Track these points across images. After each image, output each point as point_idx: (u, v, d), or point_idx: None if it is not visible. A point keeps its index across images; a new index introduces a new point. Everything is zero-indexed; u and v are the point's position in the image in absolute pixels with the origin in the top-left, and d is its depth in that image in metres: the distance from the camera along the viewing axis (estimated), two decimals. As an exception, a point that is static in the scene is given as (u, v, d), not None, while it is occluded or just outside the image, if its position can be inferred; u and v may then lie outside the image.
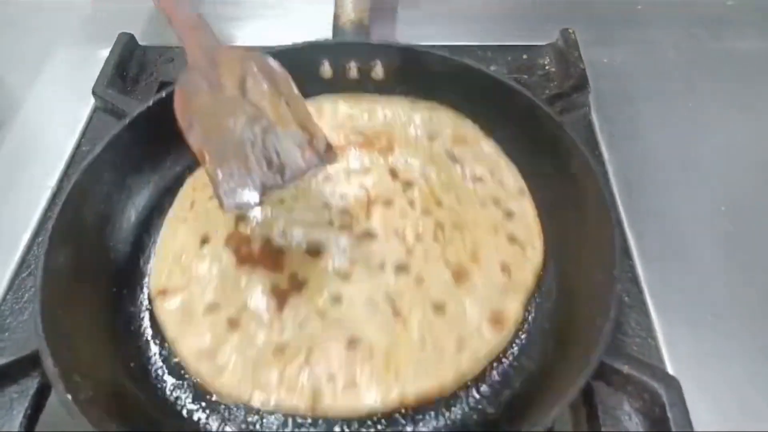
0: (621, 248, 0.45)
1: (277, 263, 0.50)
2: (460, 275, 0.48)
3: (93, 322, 0.46)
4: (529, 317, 0.48)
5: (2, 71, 0.71)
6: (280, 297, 0.48)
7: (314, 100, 0.61)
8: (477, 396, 0.44)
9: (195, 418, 0.44)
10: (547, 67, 0.67)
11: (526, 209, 0.53)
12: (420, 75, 0.61)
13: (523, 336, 0.47)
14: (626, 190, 0.56)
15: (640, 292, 0.49)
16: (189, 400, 0.44)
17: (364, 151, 0.57)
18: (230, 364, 0.45)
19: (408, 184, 0.54)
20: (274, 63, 0.52)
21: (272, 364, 0.44)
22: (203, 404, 0.44)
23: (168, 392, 0.45)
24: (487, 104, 0.58)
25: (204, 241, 0.52)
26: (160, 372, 0.46)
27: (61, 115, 0.66)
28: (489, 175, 0.55)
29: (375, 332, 0.45)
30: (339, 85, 0.63)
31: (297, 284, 0.48)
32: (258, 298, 0.48)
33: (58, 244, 0.45)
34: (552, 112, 0.53)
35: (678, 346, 0.46)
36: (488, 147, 0.57)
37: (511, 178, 0.55)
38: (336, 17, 0.68)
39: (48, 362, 0.39)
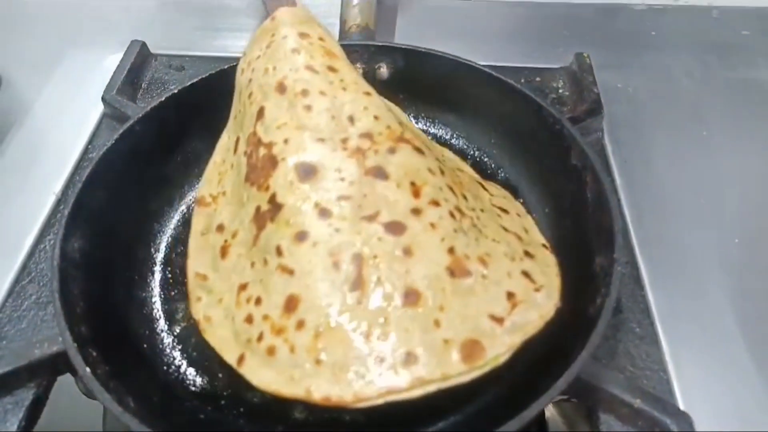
0: (621, 233, 0.43)
1: (267, 179, 0.40)
2: (458, 271, 0.37)
3: (107, 306, 0.46)
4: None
5: (12, 73, 0.71)
6: (260, 223, 0.40)
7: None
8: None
9: (206, 396, 0.43)
10: (560, 91, 0.67)
11: (548, 260, 0.44)
12: (424, 76, 0.61)
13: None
14: (638, 218, 0.55)
15: (652, 323, 0.48)
16: (195, 379, 0.44)
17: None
18: (210, 293, 0.42)
19: (440, 161, 0.44)
20: None
21: (233, 302, 0.40)
22: (206, 384, 0.44)
23: (176, 372, 0.45)
24: (487, 103, 0.58)
25: (236, 145, 0.46)
26: (169, 353, 0.46)
27: (69, 120, 0.65)
28: (515, 216, 0.48)
29: (319, 299, 0.36)
30: None
31: (274, 209, 0.39)
32: (245, 224, 0.41)
33: (72, 230, 0.45)
34: (552, 110, 0.53)
35: (689, 380, 0.45)
36: (517, 203, 0.51)
37: (537, 232, 0.47)
38: (342, 22, 0.68)
39: (66, 336, 0.39)
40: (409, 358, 0.34)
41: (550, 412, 0.50)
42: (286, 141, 0.41)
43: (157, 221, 0.54)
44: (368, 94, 0.45)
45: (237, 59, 0.59)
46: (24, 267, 0.52)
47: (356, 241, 0.37)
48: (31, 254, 0.53)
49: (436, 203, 0.39)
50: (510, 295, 0.38)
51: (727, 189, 0.58)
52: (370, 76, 0.62)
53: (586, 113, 0.61)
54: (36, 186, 0.59)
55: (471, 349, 0.35)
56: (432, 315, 0.35)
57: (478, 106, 0.59)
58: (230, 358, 0.38)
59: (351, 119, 0.42)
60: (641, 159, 0.61)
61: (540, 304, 0.39)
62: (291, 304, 0.36)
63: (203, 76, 0.56)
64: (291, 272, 0.37)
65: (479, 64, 0.58)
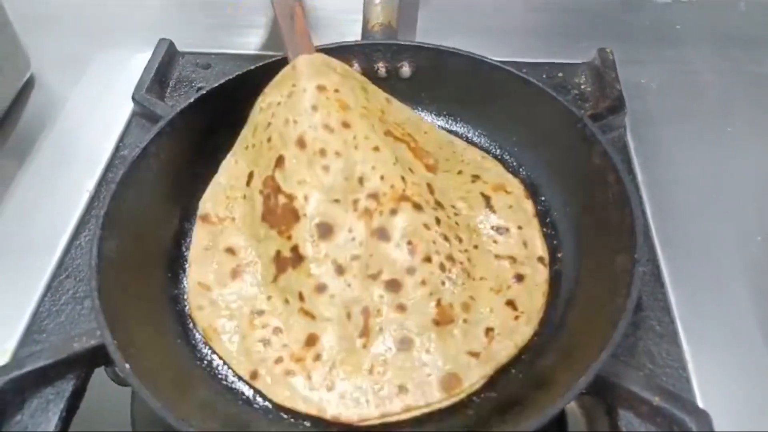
0: (643, 233, 0.44)
1: (288, 228, 0.49)
2: (443, 320, 0.46)
3: (142, 302, 0.48)
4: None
5: (44, 74, 0.73)
6: (281, 266, 0.48)
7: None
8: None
9: (237, 390, 0.46)
10: (582, 86, 0.67)
11: (538, 278, 0.49)
12: (446, 74, 0.61)
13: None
14: (660, 215, 0.56)
15: (672, 321, 0.48)
16: (226, 374, 0.47)
17: (412, 154, 0.54)
18: (214, 306, 0.48)
19: (439, 204, 0.52)
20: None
21: (243, 324, 0.47)
22: (236, 379, 0.46)
23: (209, 368, 0.47)
24: (509, 101, 0.58)
25: (249, 179, 0.52)
26: (201, 349, 0.48)
27: (100, 119, 0.67)
28: (515, 231, 0.52)
29: (335, 339, 0.45)
30: None
31: (296, 258, 0.48)
32: (263, 260, 0.49)
33: (108, 230, 0.47)
34: (575, 109, 0.53)
35: (709, 378, 0.46)
36: (526, 205, 0.54)
37: (537, 242, 0.52)
38: (365, 21, 0.69)
39: (106, 334, 0.41)
40: (401, 391, 0.43)
41: (569, 405, 0.51)
42: (306, 198, 0.49)
43: (187, 220, 0.55)
44: (376, 149, 0.51)
45: (260, 57, 0.60)
46: (61, 263, 0.54)
47: (364, 296, 0.46)
48: (67, 251, 0.55)
49: (428, 259, 0.47)
50: (488, 331, 0.46)
51: (750, 186, 0.58)
52: (392, 75, 0.63)
53: (608, 109, 0.61)
54: (70, 184, 0.61)
55: (450, 381, 0.44)
56: (420, 357, 0.44)
57: (499, 104, 0.59)
58: (242, 372, 0.45)
59: (361, 180, 0.50)
60: (664, 156, 0.61)
61: (517, 332, 0.46)
62: (311, 340, 0.45)
63: (230, 77, 0.57)
64: (313, 317, 0.46)
65: (501, 63, 0.59)
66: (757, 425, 0.44)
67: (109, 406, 0.55)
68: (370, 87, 0.57)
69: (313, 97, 0.52)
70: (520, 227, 0.53)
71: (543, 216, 0.54)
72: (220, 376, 0.46)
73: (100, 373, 0.49)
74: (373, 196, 0.49)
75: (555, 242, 0.53)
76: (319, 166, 0.50)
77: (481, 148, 0.60)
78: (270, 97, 0.53)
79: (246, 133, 0.54)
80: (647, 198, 0.57)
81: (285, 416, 0.44)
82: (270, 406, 0.45)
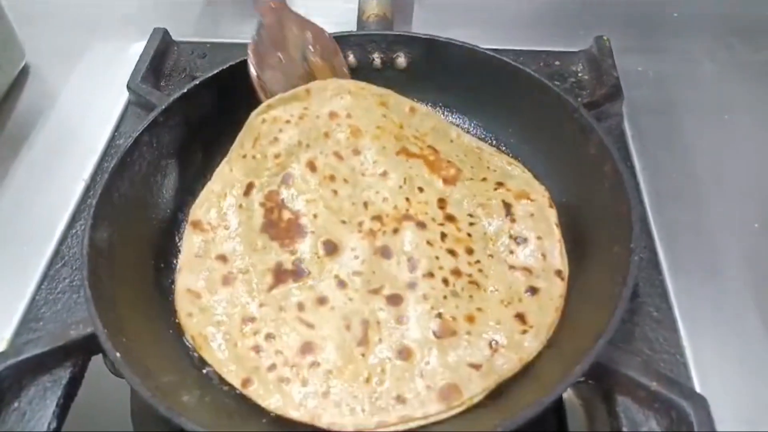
0: (639, 222, 0.44)
1: (293, 244, 0.50)
2: (445, 332, 0.45)
3: (134, 292, 0.48)
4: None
5: (39, 63, 0.72)
6: (279, 277, 0.49)
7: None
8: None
9: (222, 384, 0.45)
10: (579, 75, 0.67)
11: (553, 292, 0.47)
12: (441, 65, 0.61)
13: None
14: (657, 202, 0.56)
15: (669, 307, 0.49)
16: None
17: (428, 169, 0.54)
18: (203, 312, 0.47)
19: (450, 218, 0.52)
20: (328, 37, 0.60)
21: (234, 329, 0.46)
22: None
23: (198, 360, 0.46)
24: (505, 92, 0.58)
25: (249, 189, 0.53)
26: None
27: (96, 108, 0.67)
28: (534, 241, 0.50)
29: (332, 348, 0.45)
30: (363, 75, 0.62)
31: (298, 272, 0.49)
32: (258, 269, 0.49)
33: (100, 220, 0.47)
34: (571, 99, 0.53)
35: (706, 364, 0.46)
36: (549, 214, 0.52)
37: (556, 254, 0.50)
38: (360, 12, 0.68)
39: (97, 323, 0.41)
40: (399, 400, 0.42)
41: (567, 393, 0.51)
42: (315, 216, 0.51)
43: (180, 211, 0.55)
44: (384, 174, 0.53)
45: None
46: (57, 252, 0.54)
47: (364, 310, 0.46)
48: (63, 239, 0.55)
49: (430, 275, 0.47)
50: (492, 343, 0.45)
51: (748, 174, 0.58)
52: (388, 66, 0.63)
53: (605, 97, 0.61)
54: (66, 173, 0.61)
55: (449, 392, 0.42)
56: (419, 367, 0.44)
57: (495, 94, 0.59)
58: (233, 380, 0.44)
59: (365, 205, 0.52)
60: (661, 143, 0.61)
61: (522, 346, 0.45)
62: (307, 348, 0.45)
63: (225, 66, 0.57)
64: (311, 326, 0.46)
65: (498, 51, 0.58)
66: (754, 409, 0.44)
67: (108, 397, 0.55)
68: (392, 99, 0.58)
69: (325, 125, 0.55)
70: (539, 237, 0.50)
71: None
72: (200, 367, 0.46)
73: (100, 365, 0.48)
74: (377, 217, 0.51)
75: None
76: (329, 190, 0.52)
77: (478, 139, 0.60)
78: (276, 112, 0.55)
79: (243, 141, 0.55)
80: (645, 185, 0.57)
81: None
82: None
